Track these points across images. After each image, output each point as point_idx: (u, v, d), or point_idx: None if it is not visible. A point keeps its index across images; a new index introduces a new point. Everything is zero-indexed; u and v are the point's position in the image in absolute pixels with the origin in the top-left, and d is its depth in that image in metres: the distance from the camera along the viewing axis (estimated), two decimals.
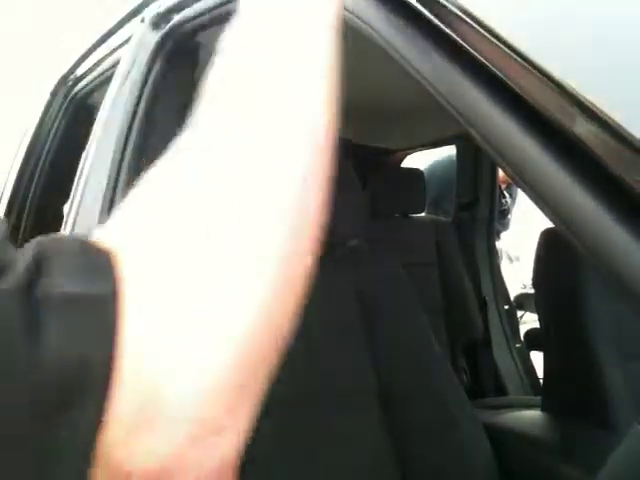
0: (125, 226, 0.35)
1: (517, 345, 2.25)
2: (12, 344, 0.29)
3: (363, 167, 1.85)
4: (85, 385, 0.29)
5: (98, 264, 0.31)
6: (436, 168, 2.91)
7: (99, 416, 0.30)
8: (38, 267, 0.30)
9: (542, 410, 1.35)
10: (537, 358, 2.19)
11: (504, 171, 0.52)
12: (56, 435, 0.29)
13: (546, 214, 0.48)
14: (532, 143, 0.47)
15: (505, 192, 3.04)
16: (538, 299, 1.46)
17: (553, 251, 1.41)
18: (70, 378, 0.29)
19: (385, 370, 1.27)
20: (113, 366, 0.30)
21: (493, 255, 2.38)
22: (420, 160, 2.86)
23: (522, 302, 2.64)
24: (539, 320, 1.48)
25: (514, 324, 2.34)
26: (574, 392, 1.30)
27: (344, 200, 1.28)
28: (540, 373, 1.90)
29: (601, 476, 0.74)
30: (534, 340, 2.19)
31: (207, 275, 0.32)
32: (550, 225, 0.48)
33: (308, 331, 1.25)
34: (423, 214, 2.51)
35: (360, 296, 1.31)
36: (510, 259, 3.64)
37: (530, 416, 1.35)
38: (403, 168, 2.57)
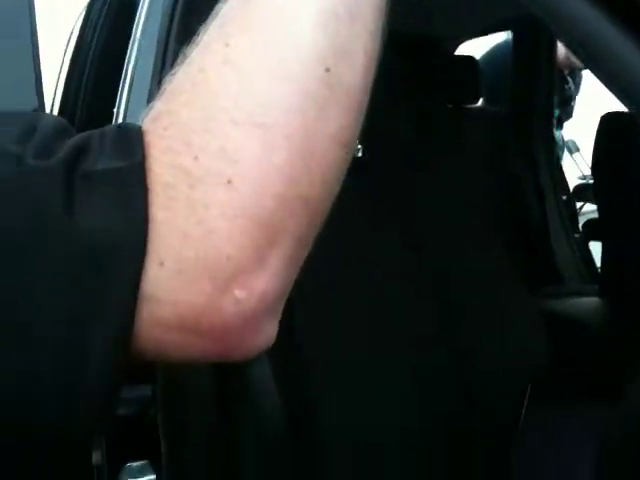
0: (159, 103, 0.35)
1: (576, 235, 2.21)
2: (51, 215, 0.31)
3: (411, 59, 1.78)
4: (117, 259, 0.31)
5: (129, 140, 0.33)
6: (490, 57, 2.77)
7: (134, 280, 0.31)
8: (79, 151, 0.33)
9: (600, 296, 1.33)
10: (596, 249, 2.15)
11: (567, 47, 0.48)
12: (92, 299, 0.30)
13: (611, 89, 0.45)
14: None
15: (568, 78, 2.88)
16: (597, 185, 1.41)
17: (614, 135, 1.36)
18: (103, 249, 0.31)
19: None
20: (143, 240, 0.31)
21: (551, 145, 2.30)
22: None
23: (581, 193, 2.58)
24: (598, 208, 1.44)
25: (573, 215, 2.29)
26: (633, 278, 1.27)
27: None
28: (599, 263, 1.87)
29: None
30: (593, 231, 2.15)
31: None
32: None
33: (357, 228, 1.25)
34: (479, 104, 2.42)
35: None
36: (570, 150, 3.51)
37: (587, 303, 1.33)
38: (455, 56, 2.46)
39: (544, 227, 2.18)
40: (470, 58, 2.25)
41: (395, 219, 1.27)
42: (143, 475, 1.04)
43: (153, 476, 1.04)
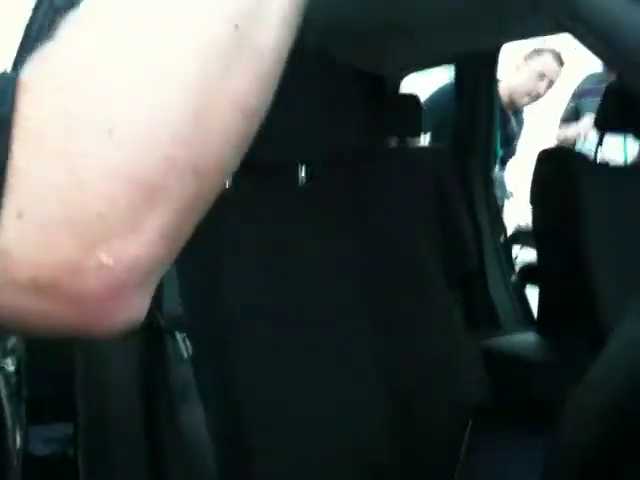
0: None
1: (512, 277, 2.21)
2: None
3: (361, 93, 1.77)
4: None
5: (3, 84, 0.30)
6: (437, 96, 2.79)
7: None
8: None
9: (538, 333, 1.32)
10: (530, 293, 2.16)
11: None
12: None
13: None
14: None
15: (511, 117, 2.93)
16: (535, 219, 1.42)
17: (551, 169, 1.37)
18: None
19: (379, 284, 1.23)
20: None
21: (490, 183, 2.31)
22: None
23: (518, 240, 2.60)
24: (535, 240, 1.44)
25: (509, 256, 2.29)
26: (570, 312, 1.27)
27: (345, 113, 1.21)
28: (534, 307, 1.87)
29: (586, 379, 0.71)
30: (529, 275, 2.15)
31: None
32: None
33: (304, 249, 1.21)
34: (422, 142, 2.42)
35: (359, 209, 1.27)
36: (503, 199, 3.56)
37: (525, 338, 1.32)
38: (400, 94, 2.46)
39: (481, 268, 2.17)
40: (413, 96, 2.26)
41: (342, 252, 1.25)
42: None
43: None
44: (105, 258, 0.29)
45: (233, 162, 0.34)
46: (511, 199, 3.22)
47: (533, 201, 1.48)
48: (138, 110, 0.29)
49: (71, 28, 0.31)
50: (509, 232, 2.59)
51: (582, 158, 1.50)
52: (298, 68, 1.17)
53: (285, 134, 1.18)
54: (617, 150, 2.37)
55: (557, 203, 1.39)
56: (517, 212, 3.05)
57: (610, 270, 1.29)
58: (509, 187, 3.22)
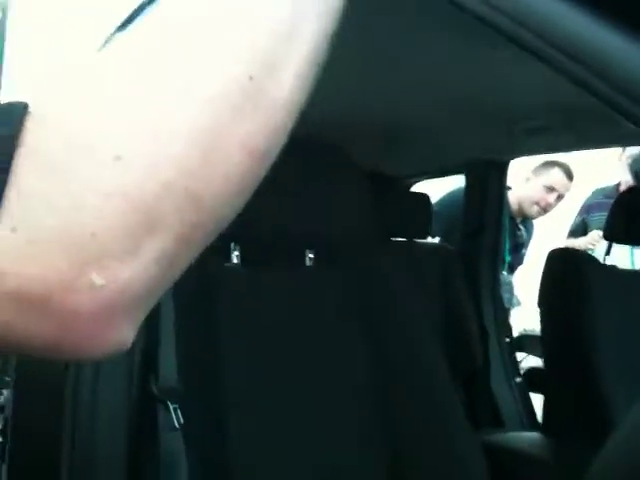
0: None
1: (517, 379, 2.19)
2: None
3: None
4: None
5: (11, 109, 0.31)
6: (448, 200, 2.87)
7: None
8: None
9: (542, 432, 1.30)
10: (536, 400, 2.14)
11: None
12: None
13: None
14: None
15: (520, 225, 2.99)
16: (543, 317, 1.43)
17: (560, 269, 1.39)
18: None
19: (382, 379, 1.24)
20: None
21: (497, 285, 2.34)
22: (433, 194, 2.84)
23: (523, 344, 2.59)
24: (542, 339, 1.45)
25: (514, 358, 2.29)
26: (575, 411, 1.26)
27: (348, 192, 1.26)
28: (539, 415, 1.85)
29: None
30: (534, 380, 2.14)
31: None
32: None
33: (305, 335, 1.23)
34: (430, 239, 2.48)
35: (364, 305, 1.29)
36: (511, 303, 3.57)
37: (529, 437, 1.30)
38: (410, 192, 2.55)
39: (486, 368, 2.17)
40: (423, 195, 2.33)
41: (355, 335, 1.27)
42: None
43: None
44: (97, 278, 0.29)
45: (237, 201, 0.34)
46: (517, 307, 3.23)
47: (541, 300, 1.51)
48: (146, 143, 0.30)
49: (96, 56, 0.32)
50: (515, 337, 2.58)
51: (591, 259, 1.54)
52: (313, 159, 1.24)
53: (294, 218, 1.23)
54: (624, 259, 2.41)
55: (565, 301, 1.42)
56: (524, 319, 3.06)
57: (617, 372, 1.29)
58: (516, 295, 3.24)
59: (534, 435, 1.31)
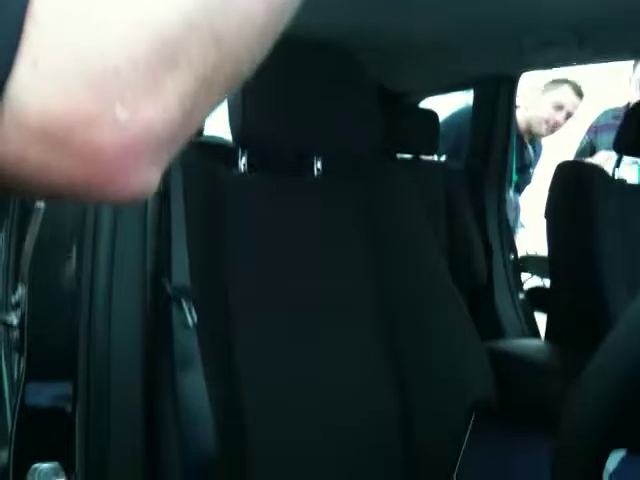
0: None
1: (520, 296, 2.23)
2: None
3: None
4: None
5: None
6: (456, 117, 2.83)
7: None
8: None
9: (545, 338, 1.33)
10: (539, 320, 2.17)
11: None
12: None
13: None
14: None
15: (528, 145, 2.96)
16: (549, 228, 1.44)
17: (568, 181, 1.39)
18: None
19: (389, 294, 1.25)
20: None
21: (502, 203, 2.34)
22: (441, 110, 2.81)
23: (527, 265, 2.61)
24: (548, 251, 1.46)
25: (518, 275, 2.31)
26: (578, 320, 1.28)
27: (360, 104, 1.25)
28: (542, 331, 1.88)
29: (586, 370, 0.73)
30: (538, 298, 2.17)
31: None
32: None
33: (310, 246, 1.24)
34: (436, 157, 2.47)
35: (370, 218, 1.29)
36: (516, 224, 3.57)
37: (533, 344, 1.33)
38: (417, 108, 2.52)
39: (489, 283, 2.20)
40: (430, 111, 2.31)
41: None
42: (53, 478, 0.97)
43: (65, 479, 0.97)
44: (120, 113, 0.29)
45: (256, 48, 0.34)
46: (521, 230, 3.23)
47: (548, 212, 1.51)
48: None
49: None
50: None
51: (600, 172, 1.54)
52: (324, 65, 1.22)
53: (303, 127, 1.22)
54: (632, 176, 2.40)
55: (571, 213, 1.42)
56: (527, 242, 3.06)
57: (620, 283, 1.31)
58: (521, 217, 3.24)
59: (536, 342, 1.34)
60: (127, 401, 0.99)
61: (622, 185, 1.53)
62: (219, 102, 0.34)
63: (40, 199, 0.99)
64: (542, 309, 2.13)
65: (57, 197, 0.33)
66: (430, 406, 1.18)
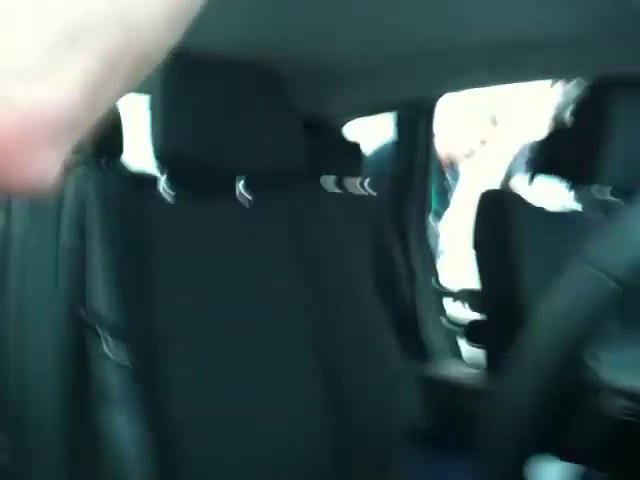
0: None
1: (444, 321, 2.24)
2: None
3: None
4: None
5: None
6: (377, 150, 2.87)
7: None
8: None
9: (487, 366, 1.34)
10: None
11: None
12: None
13: None
14: None
15: (446, 171, 3.02)
16: (477, 259, 1.46)
17: (489, 209, 1.42)
18: None
19: (317, 313, 1.24)
20: None
21: (424, 230, 2.37)
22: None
23: (463, 298, 2.62)
24: (479, 281, 1.48)
25: (440, 300, 2.32)
26: (499, 326, 1.31)
27: (282, 122, 1.23)
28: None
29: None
30: (475, 333, 2.18)
31: None
32: None
33: (238, 269, 1.21)
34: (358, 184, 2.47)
35: (295, 238, 1.28)
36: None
37: (461, 370, 1.34)
38: (341, 133, 2.52)
39: (413, 308, 2.21)
40: (355, 143, 2.32)
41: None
42: None
43: None
44: (14, 90, 0.28)
45: (164, 34, 0.33)
46: (441, 256, 3.26)
47: (474, 241, 1.53)
48: None
49: None
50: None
51: (521, 200, 1.57)
52: (245, 81, 1.20)
53: (224, 145, 1.20)
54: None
55: (494, 239, 1.45)
56: (448, 270, 3.09)
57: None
58: (441, 243, 3.27)
59: (464, 366, 1.36)
60: (47, 436, 0.95)
61: (542, 212, 1.57)
62: (125, 89, 0.33)
63: None
64: (479, 342, 2.14)
65: None
66: (362, 430, 1.17)
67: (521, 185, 2.86)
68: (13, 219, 0.94)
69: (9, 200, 0.91)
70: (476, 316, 2.22)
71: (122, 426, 0.94)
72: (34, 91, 0.28)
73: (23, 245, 0.96)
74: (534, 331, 0.73)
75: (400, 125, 2.38)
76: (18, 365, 0.93)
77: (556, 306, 0.71)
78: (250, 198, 1.26)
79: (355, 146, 2.26)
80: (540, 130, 1.66)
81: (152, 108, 1.13)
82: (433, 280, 2.31)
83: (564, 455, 0.75)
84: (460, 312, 2.37)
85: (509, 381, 0.72)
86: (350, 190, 2.35)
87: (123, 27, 0.30)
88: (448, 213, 3.16)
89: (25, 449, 0.94)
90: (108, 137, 1.86)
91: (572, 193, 1.77)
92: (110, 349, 0.94)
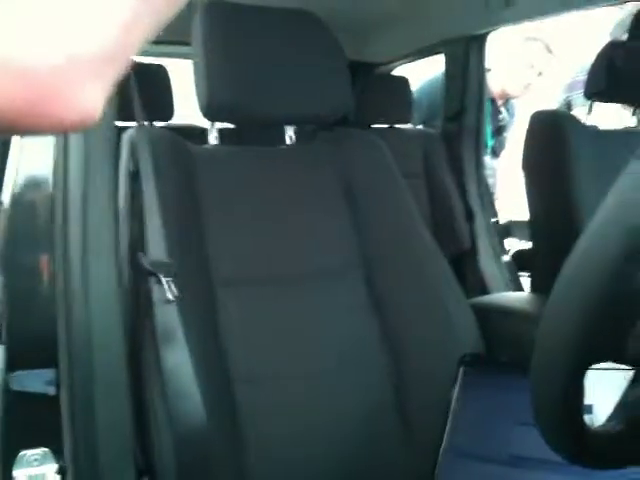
0: None
1: (504, 258, 2.22)
2: None
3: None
4: None
5: None
6: (427, 86, 2.81)
7: None
8: None
9: (531, 291, 1.33)
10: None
11: None
12: None
13: None
14: None
15: (502, 108, 2.94)
16: (527, 179, 1.43)
17: (542, 129, 1.38)
18: None
19: (371, 252, 1.24)
20: None
21: (481, 167, 2.33)
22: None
23: (511, 230, 2.61)
24: (528, 205, 1.45)
25: (501, 237, 2.31)
26: (559, 271, 1.28)
27: (329, 69, 1.23)
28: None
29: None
30: (521, 261, 2.17)
31: None
32: None
33: (288, 212, 1.23)
34: (411, 125, 2.45)
35: (346, 178, 1.28)
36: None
37: (517, 295, 1.33)
38: (389, 77, 2.50)
39: (473, 247, 2.20)
40: (402, 78, 2.29)
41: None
42: (43, 464, 0.95)
43: (55, 465, 0.95)
44: (62, 28, 0.29)
45: None
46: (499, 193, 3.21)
47: (524, 161, 1.49)
48: None
49: None
50: None
51: (572, 119, 1.52)
52: (292, 29, 1.20)
53: (272, 95, 1.20)
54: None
55: (547, 160, 1.41)
56: (506, 206, 3.04)
57: None
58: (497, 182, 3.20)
59: (522, 294, 1.35)
60: (111, 381, 0.98)
61: (596, 131, 1.52)
62: (161, 20, 0.34)
63: None
64: (526, 269, 2.13)
65: (7, 129, 0.32)
66: (420, 360, 1.17)
67: (581, 115, 2.78)
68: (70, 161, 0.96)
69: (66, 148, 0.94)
70: (524, 245, 2.21)
71: (184, 364, 0.96)
72: (81, 31, 0.30)
73: (83, 202, 0.98)
74: (586, 239, 0.71)
75: (450, 61, 2.34)
76: (82, 310, 0.96)
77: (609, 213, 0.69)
78: (300, 146, 1.26)
79: (404, 90, 2.23)
80: (597, 55, 1.59)
81: (197, 61, 1.13)
82: (493, 218, 2.28)
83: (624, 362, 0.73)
84: (511, 243, 2.36)
85: (561, 291, 0.71)
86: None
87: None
88: (505, 150, 3.10)
89: (85, 385, 0.95)
90: (158, 101, 1.90)
91: (634, 118, 1.71)
92: (172, 293, 0.97)
